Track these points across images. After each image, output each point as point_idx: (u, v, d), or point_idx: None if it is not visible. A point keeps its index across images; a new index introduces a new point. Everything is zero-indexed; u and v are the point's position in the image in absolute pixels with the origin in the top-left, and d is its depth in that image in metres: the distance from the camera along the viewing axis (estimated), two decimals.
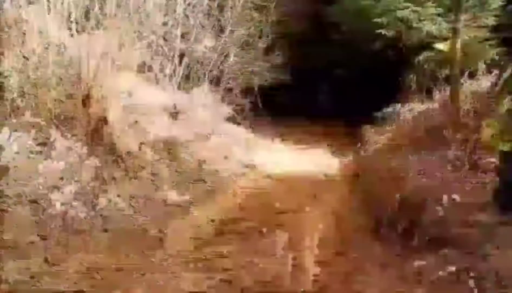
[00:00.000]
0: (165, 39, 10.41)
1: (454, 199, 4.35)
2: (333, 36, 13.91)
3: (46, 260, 3.54)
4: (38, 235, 3.96)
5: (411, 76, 11.83)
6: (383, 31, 11.42)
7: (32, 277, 3.19)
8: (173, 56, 10.40)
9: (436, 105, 8.42)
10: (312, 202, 7.57)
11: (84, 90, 6.11)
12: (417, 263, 3.72)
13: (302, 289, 4.06)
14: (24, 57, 5.68)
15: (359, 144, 11.44)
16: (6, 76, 5.65)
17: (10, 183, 4.58)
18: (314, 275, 4.47)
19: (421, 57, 11.53)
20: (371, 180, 6.72)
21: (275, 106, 15.22)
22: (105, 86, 6.56)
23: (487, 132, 3.94)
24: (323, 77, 15.52)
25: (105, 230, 4.59)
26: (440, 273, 3.39)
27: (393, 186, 5.13)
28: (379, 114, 9.77)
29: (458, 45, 6.69)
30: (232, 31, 10.95)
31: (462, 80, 7.84)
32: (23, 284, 3.04)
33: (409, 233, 4.34)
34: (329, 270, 4.53)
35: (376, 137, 10.51)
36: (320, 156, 12.16)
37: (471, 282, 3.22)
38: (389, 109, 9.40)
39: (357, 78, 14.07)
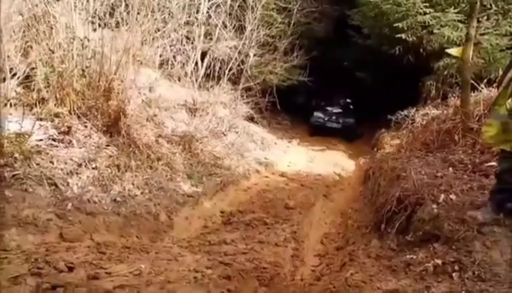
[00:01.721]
0: (187, 38, 10.75)
1: (451, 198, 4.49)
2: (354, 39, 14.04)
3: (61, 236, 3.85)
4: (55, 214, 4.27)
5: (430, 82, 11.89)
6: (403, 36, 11.48)
7: (47, 250, 3.48)
8: (195, 54, 10.74)
9: (450, 110, 8.48)
10: (322, 200, 7.77)
11: (105, 83, 6.44)
12: (407, 256, 3.89)
13: (298, 277, 4.27)
14: (50, 50, 6.03)
15: (375, 148, 11.60)
16: (33, 68, 6.01)
17: (33, 166, 4.91)
18: (312, 266, 4.68)
19: (441, 63, 11.56)
20: (378, 181, 6.86)
21: (293, 107, 15.49)
22: (126, 80, 6.89)
23: (487, 132, 4.03)
24: (342, 79, 15.60)
25: (118, 214, 4.88)
26: (427, 265, 3.55)
27: (395, 185, 5.28)
28: (394, 118, 9.83)
29: (471, 51, 6.76)
30: (252, 32, 11.17)
31: (480, 87, 7.91)
32: (38, 254, 3.33)
33: (405, 229, 4.50)
34: (327, 262, 4.74)
35: (390, 141, 10.63)
36: (337, 158, 12.33)
37: (455, 275, 3.38)
38: (404, 113, 9.47)
39: (377, 82, 14.11)
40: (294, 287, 3.86)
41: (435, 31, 11.51)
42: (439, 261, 3.57)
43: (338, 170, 10.64)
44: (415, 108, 9.29)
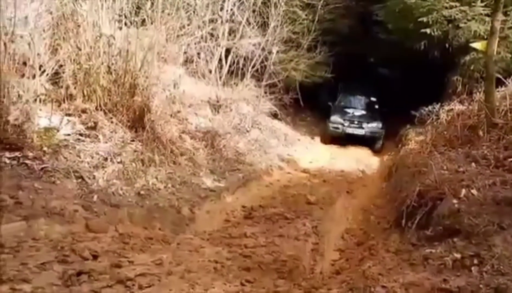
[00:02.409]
0: (211, 35, 10.86)
1: (472, 193, 4.46)
2: (379, 36, 13.88)
3: (86, 226, 3.99)
4: (81, 205, 4.44)
5: (456, 77, 11.68)
6: (428, 31, 11.30)
7: (73, 239, 3.63)
8: (220, 52, 10.85)
9: (475, 106, 8.34)
10: (344, 196, 7.77)
11: (131, 79, 6.60)
12: (427, 250, 3.89)
13: (317, 271, 4.31)
14: (77, 47, 6.22)
15: (399, 144, 11.49)
16: (61, 65, 6.21)
17: (60, 160, 5.09)
18: (332, 260, 4.71)
19: (467, 58, 11.33)
20: (400, 177, 6.83)
21: (316, 104, 15.35)
22: (150, 77, 7.04)
23: None
24: (366, 76, 15.36)
25: (141, 206, 5.02)
26: (445, 259, 3.55)
27: (416, 181, 5.26)
28: (418, 114, 9.70)
29: (495, 45, 6.65)
30: (276, 28, 11.20)
31: (508, 82, 7.75)
32: (64, 243, 3.48)
33: (426, 224, 4.48)
34: (346, 256, 4.77)
35: (414, 137, 10.50)
36: (360, 154, 12.25)
37: (474, 269, 3.37)
38: (428, 109, 9.34)
39: (401, 78, 13.97)
40: (313, 280, 3.90)
41: (461, 25, 11.28)
42: (458, 255, 3.56)
43: (361, 167, 10.57)
44: (439, 104, 9.13)
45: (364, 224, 6.17)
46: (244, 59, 11.09)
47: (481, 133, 6.69)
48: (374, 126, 12.85)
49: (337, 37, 13.96)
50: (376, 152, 12.34)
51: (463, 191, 4.52)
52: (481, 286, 3.05)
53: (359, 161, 11.18)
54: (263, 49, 11.14)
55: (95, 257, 3.25)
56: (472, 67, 11.33)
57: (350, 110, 13.50)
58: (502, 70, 9.88)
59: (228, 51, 11.01)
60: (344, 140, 12.68)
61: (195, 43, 10.33)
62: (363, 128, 12.81)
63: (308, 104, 14.41)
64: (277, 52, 11.49)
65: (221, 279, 3.41)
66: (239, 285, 3.33)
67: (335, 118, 12.96)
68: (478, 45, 6.86)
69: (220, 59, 10.86)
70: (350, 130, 12.75)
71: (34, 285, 2.73)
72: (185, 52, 10.03)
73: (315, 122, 15.64)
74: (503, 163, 5.21)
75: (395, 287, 3.18)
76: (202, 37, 10.53)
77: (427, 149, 6.68)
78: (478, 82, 10.87)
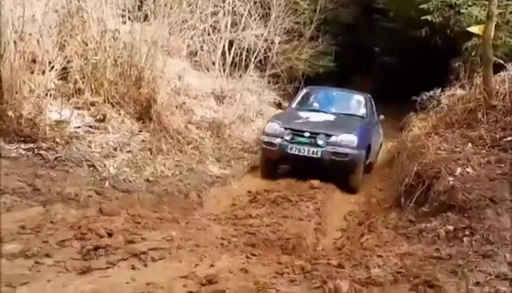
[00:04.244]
0: (214, 28, 11.04)
1: (467, 172, 4.64)
2: (381, 24, 14.02)
3: (100, 210, 4.23)
4: (94, 191, 4.69)
5: (458, 63, 11.78)
6: (429, 17, 11.41)
7: (88, 221, 3.86)
8: (223, 44, 11.02)
9: (476, 90, 8.48)
10: None
11: (136, 72, 6.82)
12: (422, 225, 4.09)
13: (320, 248, 4.53)
14: (84, 43, 6.45)
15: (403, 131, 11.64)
16: (69, 61, 6.44)
17: (72, 150, 5.34)
18: (334, 238, 4.93)
19: (469, 44, 11.43)
20: (401, 161, 7.01)
21: None
22: (155, 70, 7.26)
23: None
24: (369, 64, 15.44)
25: (151, 192, 5.27)
26: (439, 231, 3.75)
27: (414, 161, 5.45)
28: (420, 99, 9.84)
29: (493, 29, 6.78)
30: (277, 19, 11.35)
31: (508, 66, 7.89)
32: (80, 224, 3.72)
33: (423, 202, 4.68)
34: (348, 235, 4.99)
35: (418, 123, 10.66)
36: None
37: (466, 239, 3.57)
38: (430, 94, 9.47)
39: (403, 65, 14.06)
40: (314, 253, 4.12)
41: (462, 11, 11.37)
42: (451, 227, 3.77)
43: None
44: (439, 89, 9.27)
45: (366, 206, 6.38)
46: (247, 50, 11.25)
47: (480, 116, 6.85)
48: (343, 141, 6.92)
49: (340, 27, 14.09)
50: (350, 191, 7.10)
51: (459, 169, 4.70)
52: (470, 253, 3.26)
53: None
54: (265, 40, 11.30)
55: (110, 235, 3.48)
56: (473, 53, 11.44)
57: (307, 115, 7.75)
58: (504, 55, 10.01)
59: (231, 43, 11.19)
60: (293, 169, 7.29)
61: (198, 36, 10.51)
62: (319, 146, 6.87)
63: None
64: (279, 42, 11.64)
65: (227, 253, 3.64)
66: (244, 258, 3.55)
67: (271, 126, 7.30)
68: (475, 29, 7.00)
69: (224, 51, 11.04)
70: (293, 150, 6.89)
71: (56, 259, 2.97)
72: (188, 46, 10.23)
73: None
74: (499, 142, 5.38)
75: (390, 256, 3.39)
76: (204, 30, 10.71)
77: (426, 132, 6.86)
78: (480, 67, 11.00)
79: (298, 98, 8.92)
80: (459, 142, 5.57)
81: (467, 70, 11.39)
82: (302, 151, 6.84)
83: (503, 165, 4.75)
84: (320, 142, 6.85)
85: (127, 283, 2.82)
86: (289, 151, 6.89)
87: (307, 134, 6.92)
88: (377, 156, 9.04)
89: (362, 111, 8.40)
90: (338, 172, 6.97)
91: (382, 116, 9.57)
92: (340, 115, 7.87)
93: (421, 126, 10.00)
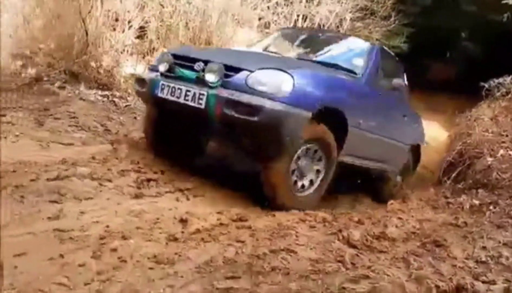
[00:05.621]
0: (287, 0, 11.24)
1: (509, 154, 4.71)
2: (460, 6, 13.48)
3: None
4: None
5: None
6: (510, 1, 10.90)
7: (146, 161, 4.43)
8: (294, 18, 11.22)
9: None
10: None
11: (206, 37, 7.33)
12: (451, 199, 4.28)
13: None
14: (161, 5, 7.03)
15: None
16: (147, 22, 7.06)
17: (140, 101, 5.97)
18: None
19: None
20: (454, 143, 7.04)
21: None
22: (224, 37, 7.72)
23: None
24: (445, 48, 14.90)
25: None
26: (464, 204, 3.93)
27: (459, 141, 5.54)
28: (487, 86, 9.57)
29: None
30: None
31: None
32: (140, 161, 4.30)
33: (461, 179, 4.83)
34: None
35: (483, 110, 10.37)
36: (430, 129, 12.16)
37: (488, 213, 3.73)
38: (498, 81, 9.19)
39: (482, 50, 13.47)
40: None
41: None
42: (476, 202, 3.94)
43: (427, 139, 10.65)
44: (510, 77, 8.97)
45: (409, 186, 6.52)
46: (319, 26, 11.36)
47: None
48: (260, 82, 3.24)
49: (415, 8, 13.72)
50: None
51: (501, 151, 4.79)
52: (485, 223, 3.44)
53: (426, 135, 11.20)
54: (337, 15, 11.34)
55: (162, 172, 4.01)
56: None
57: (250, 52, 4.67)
58: None
59: (304, 18, 11.33)
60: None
61: (270, 8, 10.77)
62: (205, 85, 3.39)
63: None
64: (351, 19, 11.64)
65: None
66: None
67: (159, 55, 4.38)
68: None
69: (295, 26, 11.23)
70: (165, 92, 3.61)
71: (115, 184, 3.53)
72: (260, 18, 10.54)
73: None
74: None
75: (410, 219, 3.64)
76: (277, 3, 10.95)
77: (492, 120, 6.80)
78: None
79: (264, 39, 5.57)
80: (510, 127, 5.57)
81: None
82: (179, 94, 3.51)
83: None
84: (209, 78, 3.36)
85: (170, 209, 3.31)
86: (159, 93, 3.66)
87: (199, 65, 3.46)
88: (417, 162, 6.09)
89: (356, 64, 4.45)
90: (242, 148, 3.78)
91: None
92: (310, 63, 4.18)
93: (484, 112, 9.76)
